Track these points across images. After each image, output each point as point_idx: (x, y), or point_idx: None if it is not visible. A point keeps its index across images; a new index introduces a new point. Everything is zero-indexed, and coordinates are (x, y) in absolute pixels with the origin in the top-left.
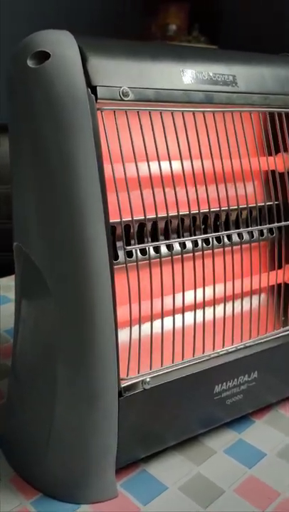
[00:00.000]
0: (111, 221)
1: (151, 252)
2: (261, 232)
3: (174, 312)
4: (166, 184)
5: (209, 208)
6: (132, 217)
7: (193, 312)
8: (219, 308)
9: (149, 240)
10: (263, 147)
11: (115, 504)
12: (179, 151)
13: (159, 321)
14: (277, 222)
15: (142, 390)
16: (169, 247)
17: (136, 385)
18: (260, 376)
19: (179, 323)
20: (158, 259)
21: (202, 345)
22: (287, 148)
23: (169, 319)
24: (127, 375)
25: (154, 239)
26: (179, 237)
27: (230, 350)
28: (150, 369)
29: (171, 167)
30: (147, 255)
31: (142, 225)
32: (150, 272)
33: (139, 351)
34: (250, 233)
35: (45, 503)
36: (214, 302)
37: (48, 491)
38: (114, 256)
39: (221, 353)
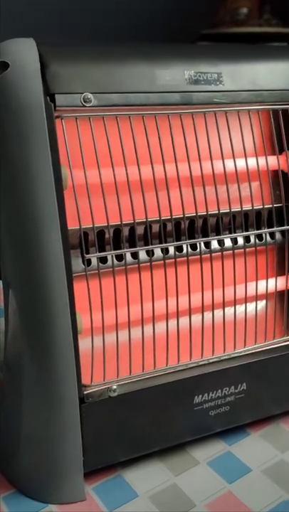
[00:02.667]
0: (83, 227)
1: (129, 258)
2: (248, 239)
3: (142, 321)
4: (144, 189)
5: (196, 213)
6: (108, 223)
7: (173, 320)
8: (200, 317)
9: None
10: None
11: (81, 507)
12: (150, 154)
13: (138, 328)
14: (268, 228)
15: (107, 398)
16: (149, 252)
17: (102, 393)
18: (249, 388)
19: (153, 332)
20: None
21: (177, 354)
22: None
23: (146, 327)
24: (91, 382)
25: (133, 245)
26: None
27: (211, 361)
28: (117, 377)
29: (139, 172)
30: (109, 263)
31: (117, 230)
32: (114, 279)
33: (104, 359)
34: (234, 239)
35: (16, 500)
36: (190, 311)
37: (20, 488)
38: (87, 263)
39: (200, 363)
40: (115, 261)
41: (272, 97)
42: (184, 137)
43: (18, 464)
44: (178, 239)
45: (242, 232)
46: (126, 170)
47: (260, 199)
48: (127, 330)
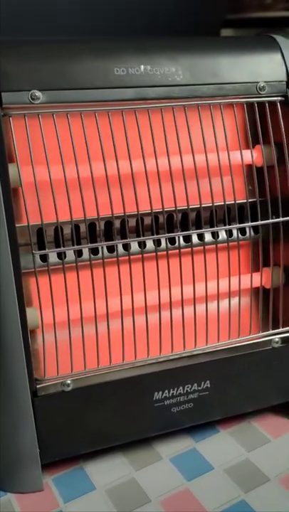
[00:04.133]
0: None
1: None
2: (217, 235)
3: (95, 318)
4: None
5: (162, 208)
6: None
7: (129, 317)
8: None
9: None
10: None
11: (37, 497)
12: (102, 151)
13: (96, 324)
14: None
15: (61, 392)
16: (111, 248)
17: (55, 387)
18: (214, 386)
19: (114, 327)
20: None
21: (134, 351)
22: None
23: (102, 323)
24: (44, 376)
25: (92, 241)
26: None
27: (171, 358)
28: (71, 371)
29: (91, 169)
30: (68, 259)
31: (93, 224)
32: (64, 275)
33: (57, 353)
34: (191, 237)
35: None
36: (146, 308)
37: None
38: (44, 259)
39: (160, 359)
40: (73, 257)
41: (235, 91)
42: (139, 132)
43: None
44: (123, 237)
45: (208, 227)
46: (76, 167)
47: (231, 194)
48: (87, 325)
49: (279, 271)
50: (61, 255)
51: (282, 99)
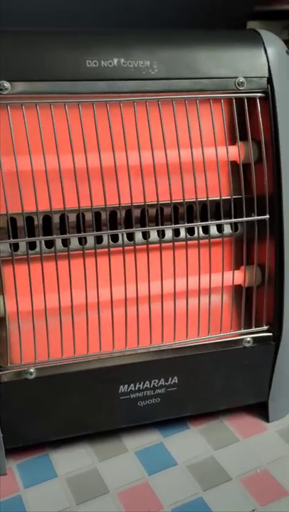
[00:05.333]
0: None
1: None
2: (175, 232)
3: (60, 309)
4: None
5: (131, 203)
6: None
7: (95, 310)
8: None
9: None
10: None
11: None
12: (70, 143)
13: (65, 314)
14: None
15: (24, 380)
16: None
17: (19, 375)
18: (182, 383)
19: (80, 320)
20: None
21: (99, 343)
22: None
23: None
24: (7, 364)
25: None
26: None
27: (138, 351)
28: (35, 360)
29: (53, 161)
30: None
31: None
32: (28, 267)
33: (20, 342)
34: (160, 232)
35: None
36: (111, 302)
37: None
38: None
39: (126, 353)
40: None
41: (212, 86)
42: (109, 125)
43: None
44: (98, 229)
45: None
46: (44, 158)
47: (204, 191)
48: (57, 315)
49: (257, 270)
50: (33, 245)
51: (263, 95)
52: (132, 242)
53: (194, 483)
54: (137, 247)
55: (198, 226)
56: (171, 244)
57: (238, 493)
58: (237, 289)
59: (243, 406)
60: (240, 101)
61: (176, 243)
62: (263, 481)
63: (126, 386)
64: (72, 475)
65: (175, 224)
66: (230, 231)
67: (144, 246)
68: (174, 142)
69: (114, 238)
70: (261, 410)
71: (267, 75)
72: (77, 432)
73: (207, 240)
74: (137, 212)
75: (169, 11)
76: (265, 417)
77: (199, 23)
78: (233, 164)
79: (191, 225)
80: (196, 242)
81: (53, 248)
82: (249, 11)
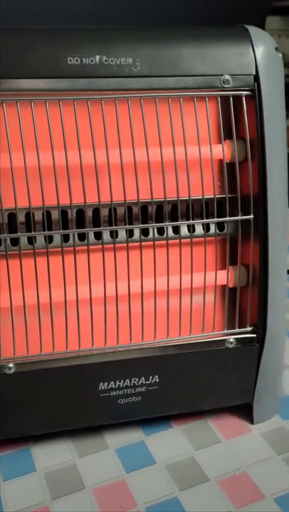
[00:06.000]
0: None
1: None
2: (164, 231)
3: (38, 306)
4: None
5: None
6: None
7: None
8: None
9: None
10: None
11: None
12: (50, 141)
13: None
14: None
15: (2, 374)
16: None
17: None
18: (163, 382)
19: (51, 316)
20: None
21: (78, 340)
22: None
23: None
24: None
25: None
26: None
27: (119, 349)
28: (14, 356)
29: (37, 157)
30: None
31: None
32: (7, 262)
33: None
34: (143, 231)
35: None
36: (90, 299)
37: None
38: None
39: (106, 350)
40: (9, 245)
41: (196, 84)
42: (90, 122)
43: None
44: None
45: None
46: (24, 156)
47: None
48: (36, 312)
49: (242, 270)
50: (15, 241)
51: (249, 93)
52: (112, 240)
53: (171, 482)
54: (116, 245)
55: (180, 225)
56: (152, 242)
57: (214, 495)
58: (221, 290)
59: (228, 407)
60: (227, 99)
61: (159, 242)
62: (241, 484)
63: (106, 384)
64: (51, 470)
65: (157, 223)
66: (215, 231)
67: (124, 244)
68: (157, 140)
69: (96, 236)
70: (247, 412)
71: (254, 72)
72: (58, 427)
73: (188, 240)
74: (120, 210)
75: (189, 6)
76: (250, 419)
77: (218, 19)
78: (219, 163)
79: (171, 223)
80: (181, 241)
81: (32, 245)
82: (268, 6)
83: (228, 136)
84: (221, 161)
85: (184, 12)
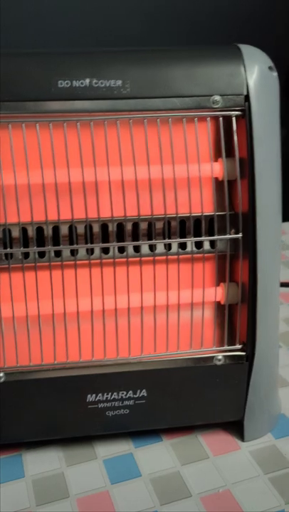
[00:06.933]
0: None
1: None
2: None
3: (27, 317)
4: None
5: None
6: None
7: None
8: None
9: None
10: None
11: None
12: (40, 160)
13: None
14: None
15: None
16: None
17: None
18: (151, 396)
19: (48, 328)
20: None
21: (66, 352)
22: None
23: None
24: None
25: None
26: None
27: (106, 363)
28: (4, 365)
29: (28, 177)
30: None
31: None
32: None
33: None
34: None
35: None
36: (78, 313)
37: None
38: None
39: (93, 363)
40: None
41: (185, 104)
42: (79, 143)
43: None
44: (72, 242)
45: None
46: (14, 175)
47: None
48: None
49: (233, 288)
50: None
51: (240, 113)
52: (98, 255)
53: (153, 496)
54: (103, 260)
55: (165, 243)
56: (133, 259)
57: (194, 511)
58: (213, 307)
59: (221, 423)
60: (219, 119)
61: (147, 258)
62: (223, 501)
63: (93, 395)
64: (39, 477)
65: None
66: (202, 248)
67: (110, 260)
68: (145, 160)
69: (80, 252)
70: (239, 429)
71: (245, 92)
72: (48, 436)
73: (182, 256)
74: (111, 227)
75: (237, 17)
76: (242, 437)
77: (267, 28)
78: (210, 182)
79: (160, 241)
80: (172, 257)
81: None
82: None
83: (220, 155)
84: (210, 180)
85: (235, 22)
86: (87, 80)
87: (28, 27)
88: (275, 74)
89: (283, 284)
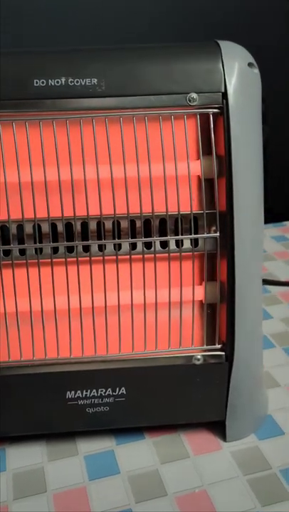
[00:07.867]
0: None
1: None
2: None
3: (5, 314)
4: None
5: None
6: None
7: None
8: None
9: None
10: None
11: None
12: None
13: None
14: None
15: None
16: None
17: None
18: (130, 394)
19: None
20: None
21: (44, 348)
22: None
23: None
24: None
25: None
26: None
27: (84, 360)
28: None
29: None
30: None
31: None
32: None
33: None
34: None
35: None
36: (55, 310)
37: None
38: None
39: (72, 360)
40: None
41: (161, 102)
42: (55, 142)
43: None
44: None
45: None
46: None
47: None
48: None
49: (212, 287)
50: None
51: (217, 111)
52: (74, 254)
53: (129, 494)
54: (82, 259)
55: (141, 242)
56: (123, 257)
57: (167, 510)
58: (194, 306)
59: (205, 423)
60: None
61: (125, 256)
62: (198, 502)
63: (72, 392)
64: (20, 471)
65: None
66: (180, 247)
67: (87, 258)
68: (121, 158)
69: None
70: (222, 429)
71: (222, 89)
72: (30, 431)
73: (163, 255)
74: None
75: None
76: (224, 437)
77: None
78: (186, 180)
79: (129, 240)
80: (150, 256)
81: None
82: None
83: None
84: (188, 178)
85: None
86: (63, 79)
87: (28, 27)
88: (256, 71)
89: (284, 284)
